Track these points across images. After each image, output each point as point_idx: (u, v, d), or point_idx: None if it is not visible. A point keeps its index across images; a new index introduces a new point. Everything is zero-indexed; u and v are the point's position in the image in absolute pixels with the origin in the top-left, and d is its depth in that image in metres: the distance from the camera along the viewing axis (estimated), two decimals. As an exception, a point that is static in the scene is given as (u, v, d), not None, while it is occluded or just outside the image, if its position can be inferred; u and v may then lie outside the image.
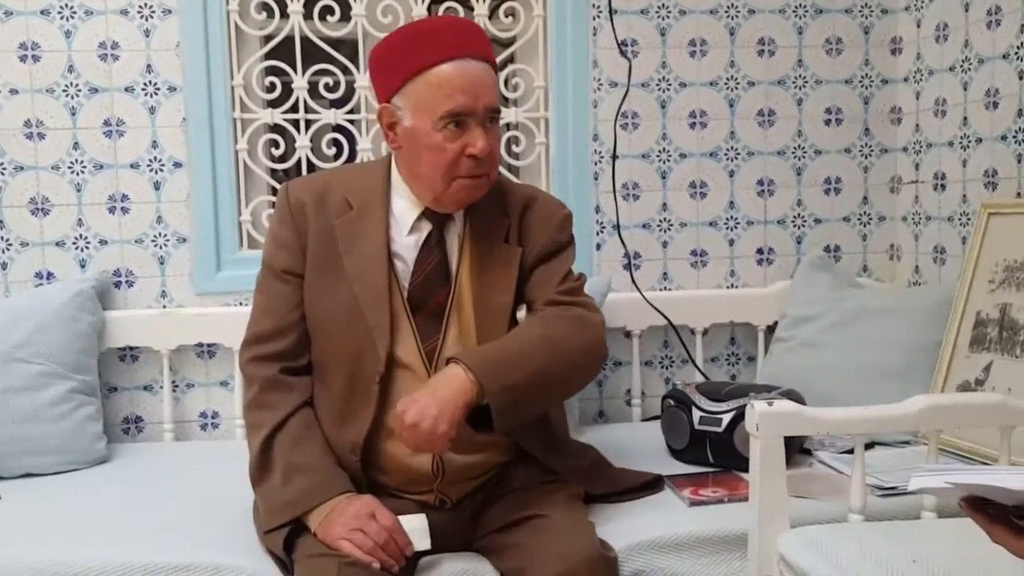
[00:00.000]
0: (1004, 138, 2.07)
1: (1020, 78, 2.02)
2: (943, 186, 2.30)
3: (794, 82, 2.45)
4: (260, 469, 1.53)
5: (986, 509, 0.93)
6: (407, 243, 1.59)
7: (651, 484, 1.78)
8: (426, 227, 1.59)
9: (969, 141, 2.19)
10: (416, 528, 1.46)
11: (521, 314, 1.65)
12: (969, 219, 2.20)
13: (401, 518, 1.45)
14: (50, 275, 2.25)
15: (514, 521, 1.52)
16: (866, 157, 2.49)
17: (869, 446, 1.88)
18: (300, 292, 1.59)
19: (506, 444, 1.63)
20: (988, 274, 1.93)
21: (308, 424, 1.55)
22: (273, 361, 1.58)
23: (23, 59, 2.19)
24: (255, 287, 1.65)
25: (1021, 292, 1.83)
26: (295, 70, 2.30)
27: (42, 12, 2.19)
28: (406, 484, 1.58)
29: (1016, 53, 2.03)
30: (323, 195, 1.59)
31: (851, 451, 1.84)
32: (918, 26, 2.38)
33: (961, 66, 2.21)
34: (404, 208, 1.59)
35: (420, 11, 2.31)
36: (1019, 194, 2.03)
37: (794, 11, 2.43)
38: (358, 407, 1.54)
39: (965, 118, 2.20)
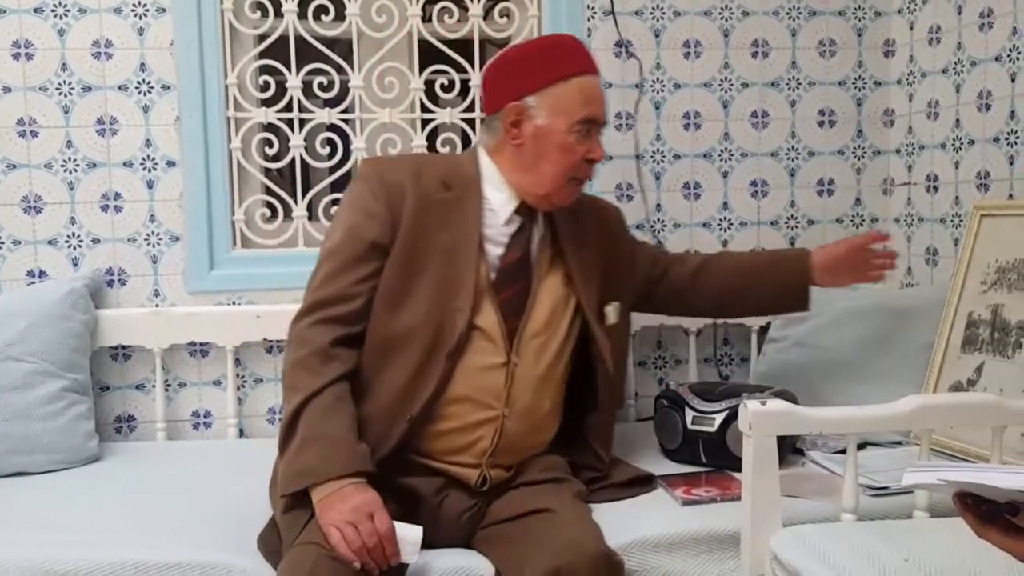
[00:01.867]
0: (996, 140, 2.08)
1: (1012, 80, 2.03)
2: (936, 188, 2.31)
3: (787, 84, 2.46)
4: (286, 434, 1.53)
5: (979, 506, 0.93)
6: (500, 232, 1.68)
7: (643, 481, 1.80)
8: (518, 220, 1.70)
9: (962, 143, 2.20)
10: (409, 539, 1.44)
11: (609, 309, 1.79)
12: (961, 221, 2.20)
13: (397, 525, 1.44)
14: (42, 273, 2.24)
15: (519, 514, 1.54)
16: (859, 159, 2.50)
17: (861, 446, 1.89)
18: (375, 266, 1.61)
19: (553, 425, 1.74)
20: (980, 275, 1.94)
21: (341, 397, 1.54)
22: (335, 324, 1.58)
23: (16, 57, 2.19)
24: (319, 261, 1.65)
25: (1013, 293, 1.84)
26: (289, 69, 2.30)
27: (35, 10, 2.18)
28: (456, 453, 1.61)
29: (1008, 55, 2.04)
30: (417, 174, 1.66)
31: (843, 451, 1.85)
32: (911, 28, 2.39)
33: (954, 68, 2.22)
34: (501, 200, 1.69)
35: (415, 11, 2.31)
36: (1011, 196, 2.04)
37: (787, 13, 2.44)
38: (422, 382, 1.58)
39: (958, 120, 2.21)
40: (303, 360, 1.55)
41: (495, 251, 1.66)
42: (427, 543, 1.49)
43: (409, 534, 1.44)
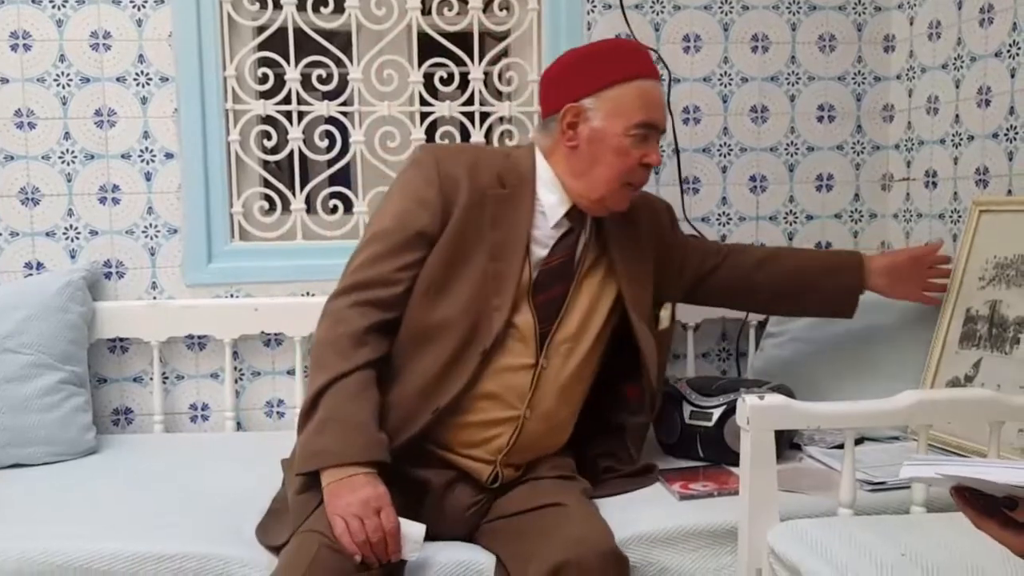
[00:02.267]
0: (995, 136, 2.08)
1: (1012, 76, 2.03)
2: (934, 183, 2.31)
3: (787, 78, 2.45)
4: (307, 412, 1.52)
5: (976, 500, 0.93)
6: (549, 233, 1.67)
7: (643, 471, 1.81)
8: (567, 224, 1.69)
9: (961, 139, 2.20)
10: (412, 537, 1.44)
11: (664, 313, 1.81)
12: (960, 216, 2.20)
13: (402, 522, 1.44)
14: (40, 265, 2.24)
15: (527, 509, 1.54)
16: (858, 154, 2.50)
17: (858, 441, 1.89)
18: (419, 255, 1.60)
19: (570, 427, 1.74)
20: (979, 271, 1.94)
21: (367, 384, 1.53)
22: (372, 308, 1.57)
23: (14, 48, 2.18)
24: (363, 242, 1.64)
25: (1011, 289, 1.84)
26: (288, 61, 2.29)
27: (33, 1, 2.18)
28: (471, 448, 1.61)
29: (1008, 51, 2.03)
30: (474, 167, 1.65)
31: (840, 446, 1.85)
32: (911, 24, 2.38)
33: (953, 64, 2.22)
34: (554, 201, 1.67)
35: (414, 3, 2.31)
36: (1010, 191, 2.04)
37: (788, 7, 2.43)
38: (455, 374, 1.58)
39: (957, 116, 2.21)
40: (335, 340, 1.54)
41: (540, 252, 1.66)
42: (429, 536, 1.49)
43: (413, 531, 1.44)
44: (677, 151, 2.41)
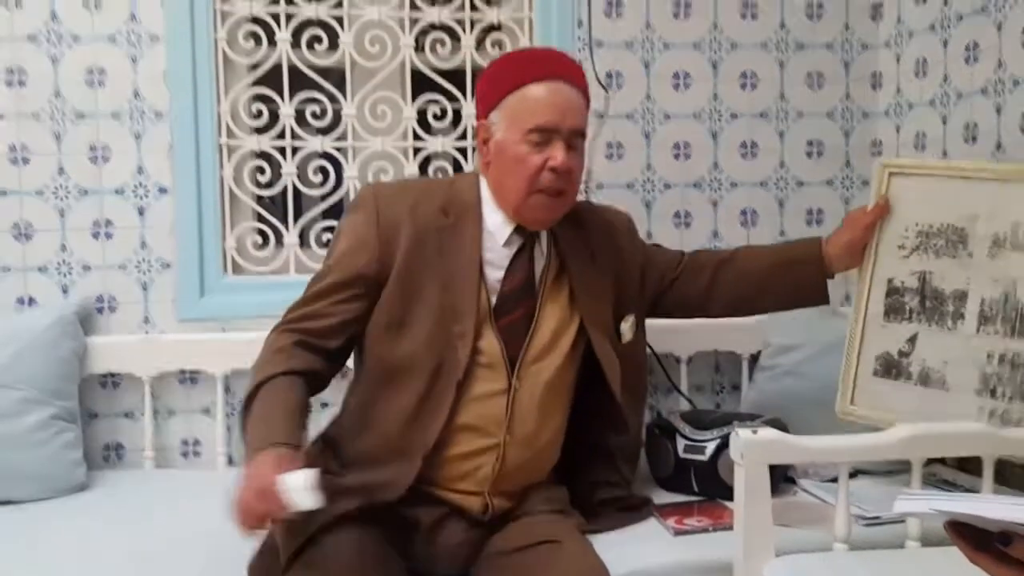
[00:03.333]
0: (982, 171, 2.10)
1: (998, 112, 2.06)
2: (923, 218, 2.33)
3: (776, 115, 2.48)
4: (240, 420, 1.53)
5: (971, 534, 0.93)
6: (501, 254, 1.65)
7: (637, 505, 1.81)
8: (517, 241, 1.66)
9: (948, 174, 2.22)
10: (297, 487, 1.32)
11: (624, 326, 1.78)
12: (949, 250, 2.22)
13: (285, 476, 1.33)
14: (32, 300, 2.23)
15: (524, 545, 1.53)
16: (847, 189, 2.52)
17: (852, 475, 1.88)
18: (356, 292, 1.60)
19: (555, 451, 1.72)
20: (898, 239, 1.82)
21: (288, 386, 1.52)
22: (301, 333, 1.58)
23: (9, 84, 2.19)
24: (310, 281, 1.66)
25: (942, 260, 1.75)
26: (282, 97, 2.31)
27: (29, 37, 2.19)
28: (458, 481, 1.60)
29: (994, 88, 2.07)
30: (416, 203, 1.65)
31: (835, 479, 1.85)
32: (898, 61, 2.42)
33: (940, 100, 2.25)
34: (499, 222, 1.66)
35: (408, 41, 2.33)
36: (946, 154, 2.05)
37: (776, 45, 2.47)
38: (433, 408, 1.56)
39: (945, 152, 2.24)
40: (263, 358, 1.56)
41: (496, 274, 1.64)
42: (424, 573, 1.49)
43: (297, 481, 1.33)
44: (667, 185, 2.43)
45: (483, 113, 1.65)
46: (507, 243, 1.65)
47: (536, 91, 1.58)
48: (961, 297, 1.72)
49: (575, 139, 1.61)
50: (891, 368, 1.79)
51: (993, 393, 1.64)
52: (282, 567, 1.47)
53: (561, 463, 1.76)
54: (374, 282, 1.60)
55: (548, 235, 1.70)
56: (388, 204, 1.63)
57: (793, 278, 1.87)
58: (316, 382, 1.59)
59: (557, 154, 1.57)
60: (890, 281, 1.82)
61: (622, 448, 1.81)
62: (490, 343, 1.61)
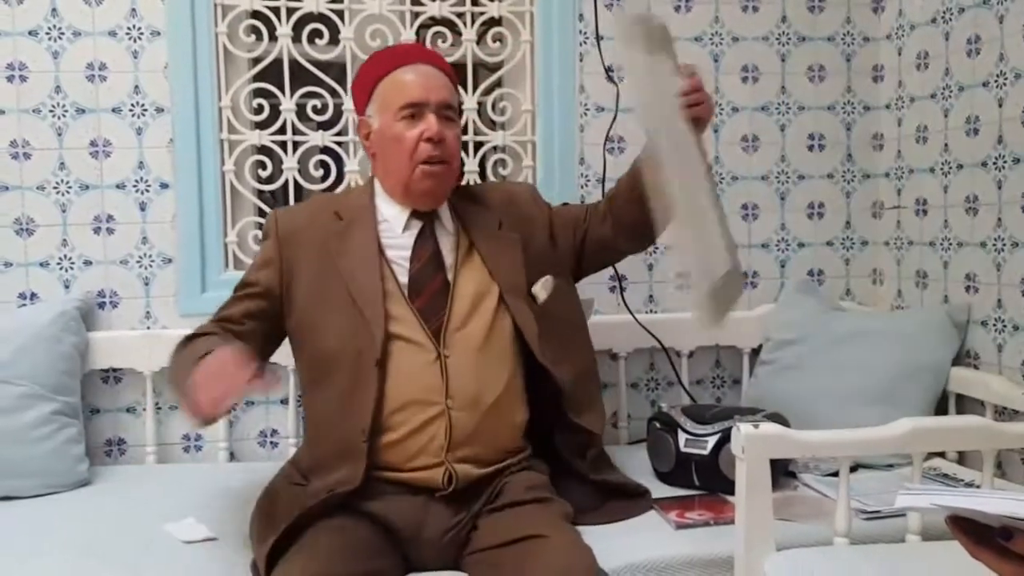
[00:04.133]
0: (984, 164, 2.10)
1: (1000, 105, 2.05)
2: (924, 211, 2.33)
3: (777, 108, 2.48)
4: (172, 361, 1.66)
5: (972, 529, 0.93)
6: (402, 241, 1.73)
7: (635, 494, 1.81)
8: (417, 225, 1.75)
9: (950, 167, 2.22)
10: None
11: (536, 287, 1.80)
12: (951, 244, 2.22)
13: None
14: (34, 296, 2.23)
15: (510, 540, 1.52)
16: (848, 182, 2.52)
17: (853, 469, 1.89)
18: (263, 304, 1.73)
19: (520, 429, 1.74)
20: None
21: (214, 331, 1.69)
22: (218, 324, 1.73)
23: (10, 79, 2.19)
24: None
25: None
26: (283, 92, 2.31)
27: (30, 33, 2.19)
28: (415, 457, 1.61)
29: (996, 81, 2.06)
30: (313, 217, 1.78)
31: (835, 474, 1.85)
32: (899, 54, 2.42)
33: (942, 93, 2.25)
34: (395, 212, 1.76)
35: (408, 35, 2.33)
36: (1000, 220, 2.06)
37: (777, 39, 2.46)
38: (361, 394, 1.61)
39: (946, 144, 2.24)
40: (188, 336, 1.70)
41: (401, 256, 1.72)
42: (413, 567, 1.52)
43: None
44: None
45: (360, 111, 1.78)
46: (406, 228, 1.74)
47: (400, 74, 1.71)
48: None
49: (445, 111, 1.71)
50: None
51: None
52: (263, 556, 1.49)
53: (538, 440, 1.77)
54: (282, 296, 1.73)
55: (451, 214, 1.79)
56: (286, 223, 1.77)
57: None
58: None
59: (430, 125, 1.68)
60: None
61: (574, 403, 1.78)
62: (406, 320, 1.66)
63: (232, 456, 2.30)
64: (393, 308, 1.66)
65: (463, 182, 2.36)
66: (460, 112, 1.81)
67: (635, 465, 2.08)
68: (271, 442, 2.34)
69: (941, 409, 2.14)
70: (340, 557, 1.45)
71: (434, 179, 1.71)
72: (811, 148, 2.50)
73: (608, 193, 1.94)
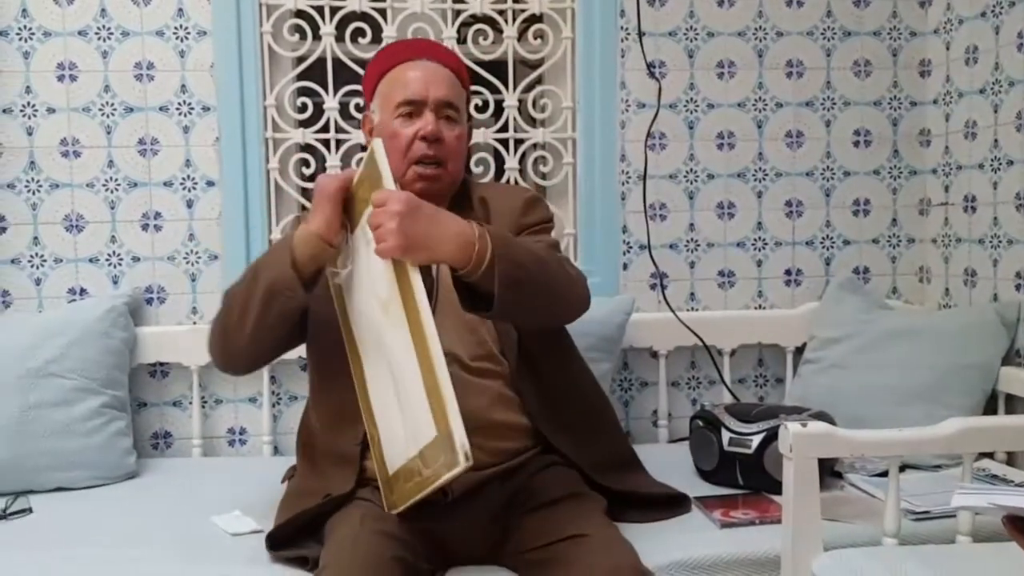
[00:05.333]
0: (1036, 160, 2.06)
1: (1052, 100, 2.01)
2: (973, 208, 2.29)
3: (822, 104, 2.45)
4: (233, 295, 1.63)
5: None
6: None
7: (676, 500, 1.77)
8: None
9: (1000, 163, 2.18)
10: None
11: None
12: (1000, 241, 2.18)
13: None
14: (83, 291, 2.28)
15: (551, 541, 1.51)
16: (895, 179, 2.49)
17: (900, 470, 1.86)
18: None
19: (518, 431, 1.66)
20: None
21: None
22: None
23: (60, 79, 2.23)
24: None
25: None
26: (326, 91, 2.33)
27: (80, 33, 2.23)
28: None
29: (1048, 75, 2.02)
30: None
31: (882, 474, 1.83)
32: (947, 48, 2.38)
33: (991, 88, 2.21)
34: None
35: (450, 33, 2.34)
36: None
37: (822, 33, 2.44)
38: (356, 397, 1.57)
39: (996, 140, 2.20)
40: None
41: None
42: (455, 561, 1.52)
43: None
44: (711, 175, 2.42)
45: (367, 107, 1.77)
46: None
47: (401, 70, 1.69)
48: None
49: (445, 110, 1.67)
50: None
51: None
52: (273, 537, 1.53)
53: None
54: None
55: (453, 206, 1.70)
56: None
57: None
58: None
59: (426, 123, 1.65)
60: None
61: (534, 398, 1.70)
62: None
63: (276, 450, 2.32)
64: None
65: (505, 180, 2.36)
66: (468, 113, 1.76)
67: (676, 464, 2.07)
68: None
69: (990, 409, 2.11)
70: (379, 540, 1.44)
71: (427, 181, 1.66)
72: (857, 144, 2.47)
73: None
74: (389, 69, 1.71)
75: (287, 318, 1.56)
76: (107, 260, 2.28)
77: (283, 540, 1.56)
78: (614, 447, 1.80)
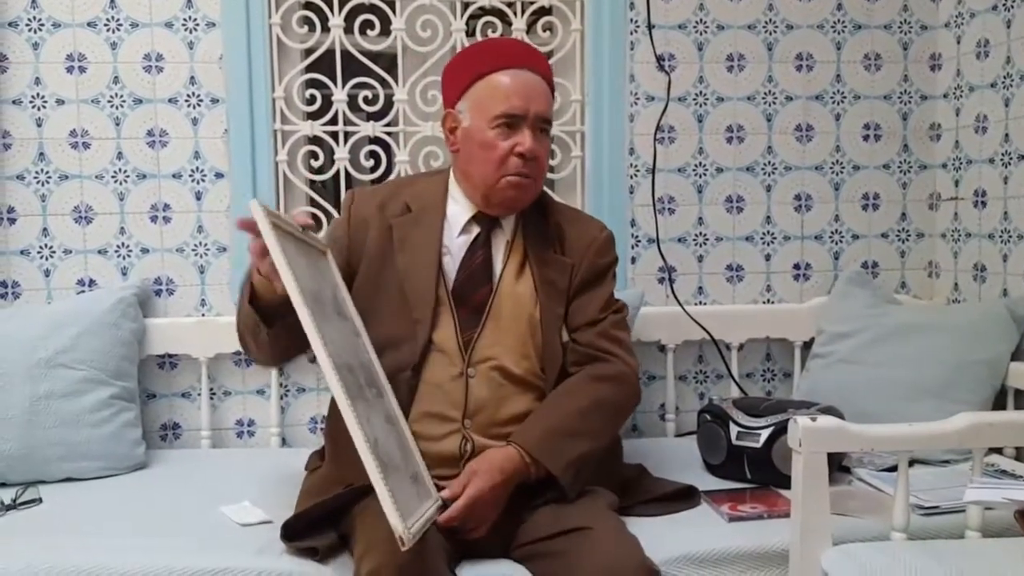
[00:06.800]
0: (1047, 155, 2.06)
1: (1064, 94, 2.00)
2: (983, 203, 2.28)
3: (832, 97, 2.44)
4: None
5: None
6: (457, 243, 1.71)
7: (685, 494, 1.79)
8: (475, 229, 1.71)
9: (1011, 158, 2.17)
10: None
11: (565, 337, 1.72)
12: (1011, 236, 2.18)
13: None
14: (92, 282, 2.28)
15: (556, 532, 1.52)
16: (904, 173, 2.48)
17: (909, 464, 1.86)
18: None
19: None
20: None
21: None
22: None
23: (70, 70, 2.23)
24: None
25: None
26: (335, 83, 2.32)
27: (89, 24, 2.23)
28: (433, 466, 1.59)
29: (1060, 69, 2.01)
30: (386, 203, 1.74)
31: (890, 469, 1.83)
32: (958, 42, 2.37)
33: (1003, 82, 2.20)
34: (457, 211, 1.73)
35: (459, 25, 2.33)
36: (1063, 211, 2.01)
37: (832, 27, 2.43)
38: (397, 391, 1.60)
39: (1007, 134, 2.19)
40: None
41: (453, 263, 1.69)
42: (464, 554, 1.52)
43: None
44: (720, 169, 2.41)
45: (450, 102, 1.71)
46: (463, 231, 1.71)
47: (502, 79, 1.64)
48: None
49: (541, 125, 1.66)
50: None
51: None
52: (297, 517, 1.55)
53: None
54: (347, 275, 1.68)
55: (513, 224, 1.73)
56: (360, 205, 1.75)
57: None
58: None
59: (524, 140, 1.63)
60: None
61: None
62: (446, 329, 1.65)
63: (284, 442, 2.33)
64: (438, 314, 1.65)
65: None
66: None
67: (684, 458, 2.07)
68: (321, 428, 2.36)
69: (999, 404, 2.10)
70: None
71: (518, 189, 1.66)
72: (866, 138, 2.46)
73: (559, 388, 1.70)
74: (487, 72, 1.65)
75: (286, 331, 1.53)
76: (116, 252, 2.29)
77: (300, 529, 1.56)
78: (616, 467, 1.81)
